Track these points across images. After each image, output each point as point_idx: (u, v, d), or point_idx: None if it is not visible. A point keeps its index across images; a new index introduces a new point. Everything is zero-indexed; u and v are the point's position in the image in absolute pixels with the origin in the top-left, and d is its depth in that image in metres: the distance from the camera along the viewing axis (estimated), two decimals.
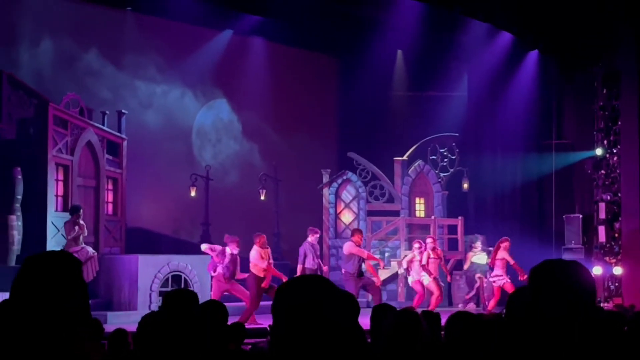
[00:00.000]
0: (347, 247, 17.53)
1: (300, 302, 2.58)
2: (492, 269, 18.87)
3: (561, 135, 25.18)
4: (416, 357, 4.73)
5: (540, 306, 3.13)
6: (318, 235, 18.38)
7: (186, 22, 23.81)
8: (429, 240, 18.92)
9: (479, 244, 21.16)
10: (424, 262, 18.40)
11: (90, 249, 17.50)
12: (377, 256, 20.92)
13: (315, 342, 2.51)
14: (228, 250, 16.70)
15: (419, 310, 7.05)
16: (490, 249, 20.18)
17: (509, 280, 18.03)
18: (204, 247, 17.26)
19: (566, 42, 23.71)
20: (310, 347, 2.50)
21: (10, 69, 19.49)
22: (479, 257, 20.87)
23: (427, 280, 18.27)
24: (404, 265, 19.05)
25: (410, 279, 18.88)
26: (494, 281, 18.33)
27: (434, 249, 18.69)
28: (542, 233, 24.37)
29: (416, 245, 18.82)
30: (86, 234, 17.76)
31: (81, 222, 17.40)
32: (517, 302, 3.36)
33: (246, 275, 16.65)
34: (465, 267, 21.53)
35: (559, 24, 22.94)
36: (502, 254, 18.20)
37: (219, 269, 16.70)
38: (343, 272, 17.60)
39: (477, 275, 20.55)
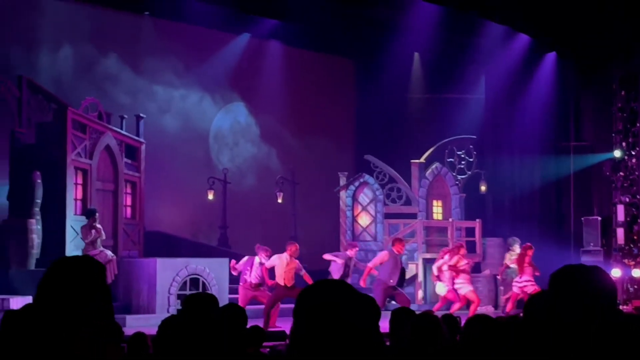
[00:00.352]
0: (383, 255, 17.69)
1: (320, 304, 2.60)
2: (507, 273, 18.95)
3: (579, 137, 25.11)
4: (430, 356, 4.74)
5: (560, 311, 3.13)
6: (357, 250, 18.59)
7: (203, 26, 23.87)
8: (463, 246, 18.90)
9: (517, 247, 20.22)
10: (446, 266, 18.27)
11: (109, 252, 17.56)
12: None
13: (333, 344, 2.53)
14: (257, 259, 16.86)
15: (438, 314, 7.05)
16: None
17: (537, 288, 17.89)
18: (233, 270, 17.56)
19: (583, 43, 23.65)
20: (328, 349, 2.52)
21: (30, 74, 19.61)
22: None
23: (466, 289, 18.10)
24: (435, 272, 18.72)
25: (442, 288, 18.46)
26: (525, 286, 18.13)
27: (464, 255, 18.55)
28: (561, 235, 24.30)
29: (447, 256, 18.55)
30: (104, 238, 17.83)
31: (98, 225, 17.46)
32: (536, 306, 3.37)
33: (274, 282, 16.87)
34: (506, 265, 20.77)
35: (576, 26, 22.87)
36: (528, 260, 18.27)
37: (246, 277, 16.87)
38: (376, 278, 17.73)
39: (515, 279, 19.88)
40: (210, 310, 5.44)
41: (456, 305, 17.89)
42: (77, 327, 2.89)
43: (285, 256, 16.90)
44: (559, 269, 3.33)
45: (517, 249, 20.08)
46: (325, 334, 2.53)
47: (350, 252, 18.14)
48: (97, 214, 17.57)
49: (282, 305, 17.07)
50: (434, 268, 18.61)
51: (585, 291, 3.16)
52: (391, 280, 17.14)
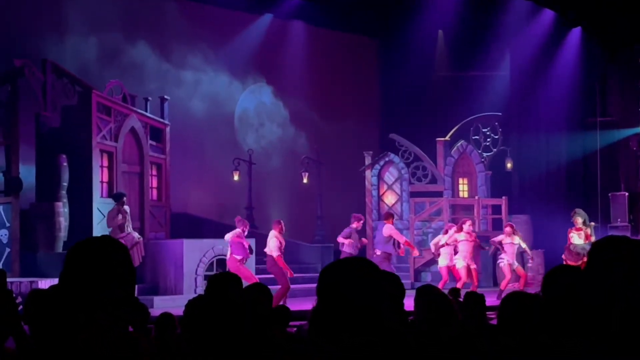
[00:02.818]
0: (387, 230, 17.57)
1: (343, 283, 2.59)
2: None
3: (606, 113, 24.93)
4: (448, 338, 4.72)
5: (599, 281, 3.08)
6: (362, 222, 18.35)
7: (225, 6, 23.86)
8: (468, 222, 18.64)
9: (579, 219, 18.74)
10: (443, 242, 18.25)
11: (136, 235, 17.61)
12: (420, 238, 20.91)
13: (355, 321, 2.52)
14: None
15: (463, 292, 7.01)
16: (593, 224, 19.53)
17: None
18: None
19: (609, 18, 23.43)
20: (349, 327, 2.52)
21: (55, 58, 19.66)
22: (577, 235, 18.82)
23: (460, 263, 18.05)
24: (433, 249, 18.66)
25: (442, 261, 18.47)
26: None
27: (469, 232, 18.34)
28: (588, 211, 24.06)
29: (451, 231, 18.50)
30: (130, 224, 17.76)
31: (125, 209, 17.47)
32: (555, 281, 3.34)
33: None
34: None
35: (601, 0, 22.67)
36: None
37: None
38: (379, 252, 17.59)
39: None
40: (234, 290, 5.46)
41: (460, 282, 17.83)
42: (94, 311, 2.89)
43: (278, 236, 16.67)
44: (602, 239, 3.29)
45: (579, 221, 18.78)
46: (345, 311, 2.53)
47: (355, 225, 17.80)
48: (124, 198, 17.57)
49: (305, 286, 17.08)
50: (432, 245, 18.67)
51: (629, 262, 3.11)
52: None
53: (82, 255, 2.98)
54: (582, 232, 18.47)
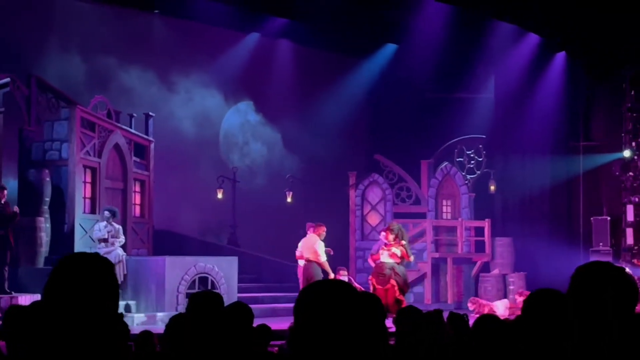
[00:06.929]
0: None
1: (321, 304, 2.59)
2: None
3: (589, 137, 25.03)
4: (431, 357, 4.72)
5: (580, 306, 3.08)
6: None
7: (212, 24, 23.87)
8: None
9: (389, 235, 17.46)
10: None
11: (120, 252, 17.48)
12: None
13: (334, 343, 2.52)
14: None
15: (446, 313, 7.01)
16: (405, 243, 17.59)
17: None
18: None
19: (594, 43, 23.58)
20: (328, 348, 2.51)
21: (40, 74, 19.63)
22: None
23: None
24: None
25: None
26: None
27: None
28: (570, 235, 24.24)
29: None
30: (122, 240, 17.74)
31: (116, 225, 17.53)
32: (537, 305, 3.34)
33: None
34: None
35: (586, 25, 22.81)
36: None
37: None
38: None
39: None
40: (215, 308, 5.44)
41: None
42: (84, 327, 2.87)
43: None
44: (585, 264, 3.26)
45: (390, 237, 17.36)
46: (326, 333, 2.53)
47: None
48: (108, 213, 17.57)
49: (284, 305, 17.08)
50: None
51: (611, 288, 3.11)
52: None
53: (69, 271, 2.94)
54: (393, 249, 17.22)
